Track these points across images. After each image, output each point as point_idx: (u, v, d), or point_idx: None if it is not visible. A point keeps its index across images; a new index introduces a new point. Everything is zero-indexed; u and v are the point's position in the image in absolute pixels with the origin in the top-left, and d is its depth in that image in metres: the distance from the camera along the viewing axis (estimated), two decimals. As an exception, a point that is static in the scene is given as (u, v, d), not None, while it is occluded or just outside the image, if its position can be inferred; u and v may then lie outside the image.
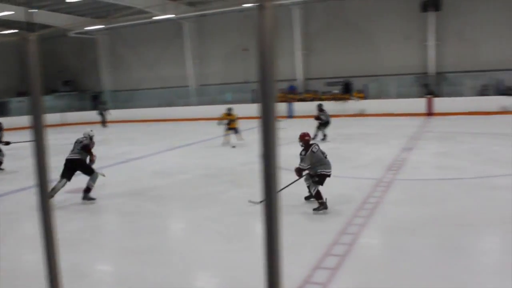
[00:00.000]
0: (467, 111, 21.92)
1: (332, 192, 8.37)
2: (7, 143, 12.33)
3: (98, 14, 28.85)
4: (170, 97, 30.55)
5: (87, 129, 9.07)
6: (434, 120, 21.12)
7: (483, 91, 23.31)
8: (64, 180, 8.27)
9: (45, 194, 1.41)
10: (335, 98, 25.20)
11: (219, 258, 5.48)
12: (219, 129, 16.02)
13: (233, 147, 14.57)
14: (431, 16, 23.68)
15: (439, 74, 24.39)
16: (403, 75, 25.03)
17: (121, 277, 5.23)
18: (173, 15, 26.23)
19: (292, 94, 26.69)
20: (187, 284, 4.92)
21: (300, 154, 7.52)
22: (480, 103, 22.33)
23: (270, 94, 1.08)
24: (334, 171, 10.42)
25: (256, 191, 6.79)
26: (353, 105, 24.67)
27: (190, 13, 27.55)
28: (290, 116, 25.55)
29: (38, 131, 1.36)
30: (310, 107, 25.38)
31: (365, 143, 14.41)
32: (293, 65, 27.36)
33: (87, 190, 8.46)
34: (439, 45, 24.09)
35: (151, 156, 13.97)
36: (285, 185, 7.26)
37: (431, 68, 24.38)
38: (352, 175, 9.78)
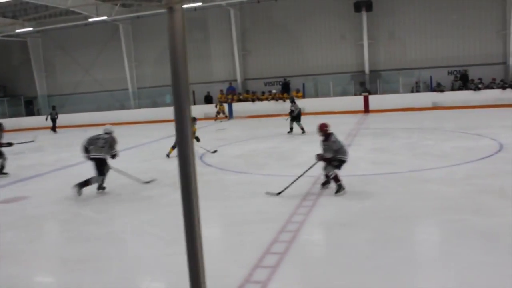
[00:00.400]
0: (401, 107, 22.71)
1: (272, 190, 8.47)
2: (10, 144, 11.75)
3: (27, 15, 27.79)
4: (108, 100, 29.86)
5: (107, 125, 9.58)
6: (370, 117, 21.73)
7: (416, 88, 24.30)
8: (102, 177, 8.95)
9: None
10: (274, 98, 25.46)
11: (159, 262, 5.41)
12: (158, 132, 15.83)
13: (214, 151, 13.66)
14: (364, 16, 24.41)
15: (374, 72, 25.18)
16: (340, 73, 25.68)
17: (60, 287, 5.07)
18: (106, 17, 25.65)
19: (231, 95, 26.73)
20: (126, 291, 4.83)
21: (322, 144, 8.10)
22: (413, 99, 23.23)
23: (184, 96, 1.08)
24: (274, 170, 10.58)
25: (199, 193, 6.75)
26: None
27: (124, 15, 27.08)
28: (230, 116, 25.60)
29: None
30: (250, 107, 25.64)
31: (304, 141, 14.62)
32: (232, 66, 27.44)
33: (85, 183, 8.81)
34: (372, 44, 24.90)
35: (88, 162, 13.56)
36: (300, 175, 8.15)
37: (366, 67, 25.12)
38: (292, 173, 9.88)
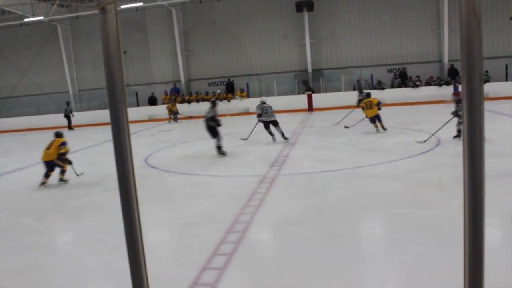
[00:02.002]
0: (344, 105, 23.17)
1: (218, 192, 8.46)
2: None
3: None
4: (47, 104, 28.90)
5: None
6: (314, 115, 22.07)
7: (357, 86, 24.88)
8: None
9: None
10: (218, 98, 25.41)
11: (105, 269, 5.28)
12: (101, 135, 15.48)
13: None
14: (306, 16, 24.79)
15: (317, 71, 25.62)
16: (283, 73, 25.98)
17: (-3, 301, 4.87)
18: (43, 17, 24.82)
19: (175, 96, 26.48)
20: (70, 300, 4.69)
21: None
22: (355, 97, 23.73)
23: (120, 98, 1.05)
24: (219, 170, 10.54)
25: (144, 196, 6.62)
26: (237, 104, 25.07)
27: (62, 15, 26.31)
28: (175, 118, 25.35)
29: None
30: (195, 108, 25.47)
31: (249, 141, 14.67)
32: (175, 66, 27.21)
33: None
34: (314, 44, 25.35)
35: (27, 168, 13.11)
36: None
37: (309, 66, 25.52)
38: (237, 173, 9.93)
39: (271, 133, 13.85)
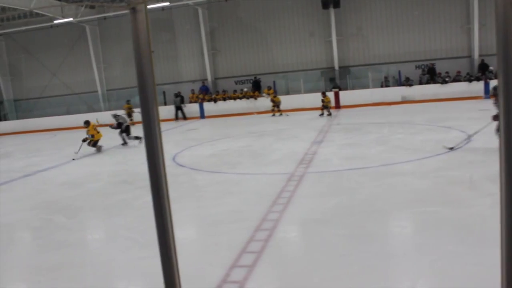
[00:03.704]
0: (371, 102, 22.99)
1: (246, 190, 8.47)
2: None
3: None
4: (77, 103, 29.41)
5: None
6: (342, 112, 21.91)
7: (385, 83, 24.63)
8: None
9: None
10: (245, 96, 25.46)
11: (134, 266, 5.34)
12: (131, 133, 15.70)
13: None
14: (332, 13, 24.62)
15: (343, 68, 25.43)
16: (310, 70, 25.86)
17: (32, 297, 4.97)
18: (72, 19, 25.23)
19: (205, 95, 26.62)
20: (101, 297, 4.76)
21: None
22: (382, 94, 23.53)
23: (151, 97, 1.05)
24: (247, 169, 10.56)
25: (173, 194, 6.66)
26: (264, 102, 25.05)
27: (91, 16, 26.70)
28: (202, 116, 25.50)
29: None
30: (221, 106, 25.59)
31: (277, 138, 14.68)
32: (202, 65, 27.34)
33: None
34: (341, 41, 25.16)
35: (59, 167, 13.36)
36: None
37: (336, 63, 25.34)
38: (265, 172, 9.92)
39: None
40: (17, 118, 30.37)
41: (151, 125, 1.08)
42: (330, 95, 23.82)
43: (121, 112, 16.49)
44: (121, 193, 9.10)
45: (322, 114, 20.66)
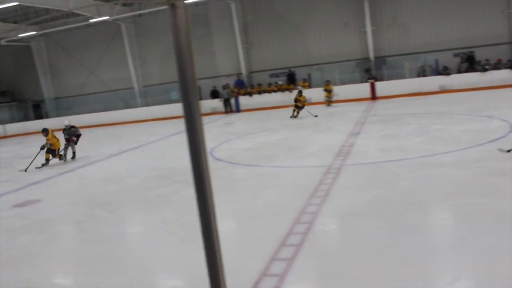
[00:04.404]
0: (408, 92, 22.58)
1: (284, 183, 8.46)
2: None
3: (28, 20, 27.92)
4: (114, 100, 29.94)
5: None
6: (378, 103, 21.62)
7: (422, 72, 24.13)
8: None
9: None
10: (280, 89, 25.40)
11: (174, 259, 5.42)
12: (166, 128, 15.87)
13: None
14: (366, 3, 24.26)
15: (379, 59, 25.04)
16: (345, 61, 25.58)
17: (76, 289, 5.10)
18: (107, 17, 25.66)
19: (240, 89, 26.68)
20: (144, 289, 4.83)
21: None
22: (420, 84, 23.08)
23: (192, 92, 1.05)
24: (284, 162, 10.54)
25: (213, 188, 6.70)
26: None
27: (126, 14, 27.07)
28: (238, 110, 25.57)
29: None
30: (257, 100, 25.61)
31: (313, 131, 14.60)
32: (236, 59, 27.39)
33: None
34: (376, 31, 24.76)
35: (98, 162, 13.65)
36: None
37: (371, 53, 24.98)
38: (302, 164, 9.89)
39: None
40: (58, 115, 31.14)
41: (193, 119, 1.09)
42: (365, 86, 23.50)
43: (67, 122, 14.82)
44: (160, 187, 9.23)
45: (295, 116, 18.91)
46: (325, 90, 23.04)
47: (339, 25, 25.63)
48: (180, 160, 11.91)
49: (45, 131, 13.78)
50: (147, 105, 29.22)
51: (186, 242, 5.91)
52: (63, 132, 14.36)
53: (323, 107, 22.51)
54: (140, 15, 27.69)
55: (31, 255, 6.12)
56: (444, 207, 6.27)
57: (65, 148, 14.40)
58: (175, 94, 28.06)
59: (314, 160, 10.12)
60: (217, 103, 26.41)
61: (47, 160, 13.64)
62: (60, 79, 31.87)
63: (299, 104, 18.92)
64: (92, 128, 27.04)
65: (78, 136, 14.71)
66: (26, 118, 30.87)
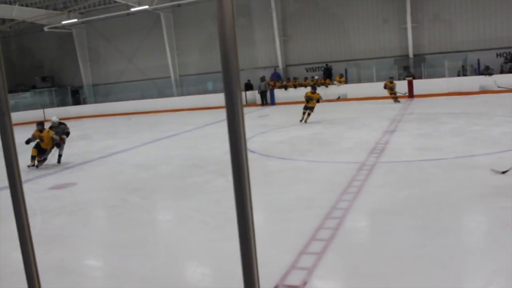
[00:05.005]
0: (447, 92, 22.13)
1: (316, 177, 8.44)
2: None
3: (70, 7, 28.55)
4: (151, 88, 30.32)
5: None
6: (415, 102, 21.27)
7: (462, 72, 23.57)
8: None
9: (18, 193, 1.37)
10: (316, 83, 25.24)
11: (205, 248, 5.48)
12: (201, 118, 16.01)
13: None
14: (408, -1, 23.83)
15: (418, 56, 24.59)
16: (383, 58, 25.20)
17: (107, 271, 5.21)
18: (147, 6, 25.97)
19: (276, 81, 26.64)
20: (173, 275, 4.90)
21: None
22: (459, 83, 22.55)
23: (235, 83, 1.07)
24: (317, 156, 10.50)
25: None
26: (335, 89, 24.73)
27: (165, 4, 27.31)
28: (272, 103, 25.55)
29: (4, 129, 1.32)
30: (292, 93, 25.51)
31: (348, 127, 14.49)
32: (273, 52, 27.33)
33: None
34: (416, 28, 24.28)
35: (133, 149, 13.88)
36: None
37: (410, 50, 24.55)
38: (335, 160, 9.84)
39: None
40: (95, 102, 31.77)
41: (235, 110, 1.10)
42: (403, 84, 23.11)
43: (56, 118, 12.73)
44: (193, 176, 9.32)
45: (305, 120, 16.41)
46: (387, 87, 21.22)
47: (378, 21, 25.25)
48: (213, 150, 12.01)
49: (41, 125, 12.02)
50: (182, 94, 29.47)
51: (216, 231, 5.97)
52: (50, 129, 12.16)
53: (354, 103, 22.28)
54: (179, 5, 27.89)
55: (65, 236, 6.29)
56: (479, 210, 6.15)
57: (50, 150, 12.05)
58: (211, 85, 28.23)
59: (347, 156, 10.05)
60: (251, 95, 26.41)
61: (34, 158, 11.69)
62: (99, 66, 32.46)
63: (310, 104, 16.37)
64: (129, 115, 27.47)
65: (67, 134, 12.73)
66: (64, 104, 31.54)
